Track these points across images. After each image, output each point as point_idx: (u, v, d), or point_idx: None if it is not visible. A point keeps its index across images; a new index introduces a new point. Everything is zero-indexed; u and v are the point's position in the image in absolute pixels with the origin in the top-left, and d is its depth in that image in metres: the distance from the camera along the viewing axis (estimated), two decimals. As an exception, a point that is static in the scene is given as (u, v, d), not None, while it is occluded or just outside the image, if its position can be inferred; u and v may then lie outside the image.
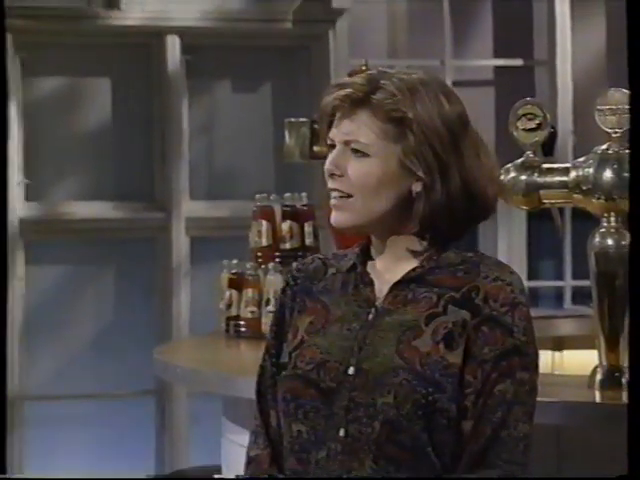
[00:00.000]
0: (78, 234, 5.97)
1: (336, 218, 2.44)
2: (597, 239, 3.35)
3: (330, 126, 2.45)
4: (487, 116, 6.12)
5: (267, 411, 2.52)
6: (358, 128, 2.41)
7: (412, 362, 2.37)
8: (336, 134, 2.43)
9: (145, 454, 5.93)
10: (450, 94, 2.44)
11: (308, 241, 4.68)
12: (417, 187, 2.40)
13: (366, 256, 2.50)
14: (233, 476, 3.99)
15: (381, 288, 2.46)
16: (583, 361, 3.46)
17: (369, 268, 2.49)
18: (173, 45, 5.87)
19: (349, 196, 2.42)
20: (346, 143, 2.42)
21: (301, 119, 4.59)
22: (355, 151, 2.41)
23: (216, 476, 4.25)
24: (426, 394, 2.35)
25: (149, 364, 4.56)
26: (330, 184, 2.42)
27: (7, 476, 1.99)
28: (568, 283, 6.29)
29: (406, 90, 2.39)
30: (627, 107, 3.35)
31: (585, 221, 3.70)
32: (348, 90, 2.41)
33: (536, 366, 2.42)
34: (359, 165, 2.41)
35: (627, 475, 2.15)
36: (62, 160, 5.89)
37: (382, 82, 2.40)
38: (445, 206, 2.41)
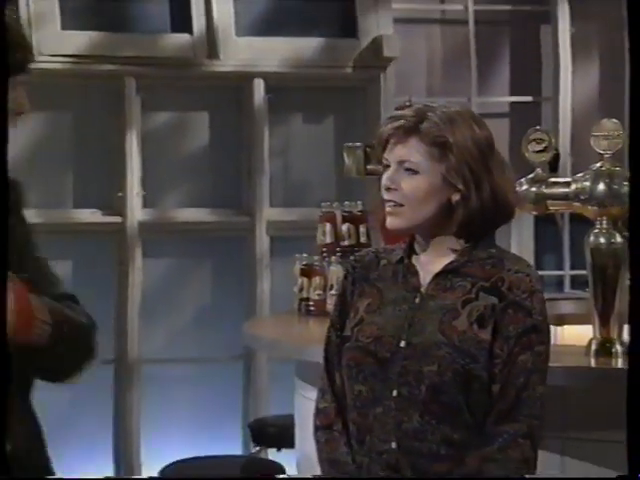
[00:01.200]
0: (183, 234, 5.96)
1: (391, 223, 2.45)
2: (592, 238, 3.35)
3: (384, 150, 2.44)
4: (503, 141, 6.08)
5: (332, 373, 2.52)
6: (409, 151, 2.41)
7: (452, 338, 2.38)
8: (391, 156, 2.44)
9: (234, 406, 5.93)
10: (480, 122, 2.45)
11: (362, 239, 4.68)
12: (456, 197, 2.41)
13: (411, 251, 2.50)
14: (302, 422, 3.97)
15: (425, 277, 2.47)
16: (580, 334, 3.44)
17: (414, 261, 2.50)
18: (259, 86, 5.90)
19: (401, 205, 2.42)
20: (400, 163, 2.42)
21: (357, 144, 4.60)
22: (407, 170, 2.42)
23: (280, 476, 4.07)
24: (463, 364, 2.37)
25: (239, 335, 4.58)
26: (386, 196, 2.44)
27: (7, 476, 1.93)
28: (567, 272, 6.24)
29: (447, 120, 2.40)
30: (617, 133, 3.33)
31: (581, 223, 3.68)
32: (401, 121, 2.42)
33: (549, 340, 2.43)
34: (410, 180, 2.41)
35: (627, 475, 2.08)
36: (171, 176, 5.91)
37: (428, 114, 2.41)
38: (479, 211, 2.41)
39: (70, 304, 2.25)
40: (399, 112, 2.46)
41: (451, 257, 2.45)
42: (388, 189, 2.42)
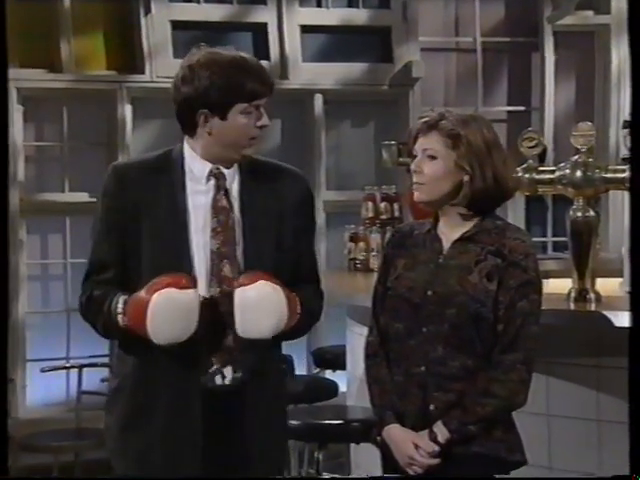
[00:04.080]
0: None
1: (417, 197, 2.45)
2: (571, 212, 3.31)
3: (414, 143, 2.43)
4: (502, 141, 6.01)
5: (378, 314, 2.51)
6: (430, 141, 2.40)
7: (467, 289, 2.38)
8: (418, 147, 2.43)
9: (301, 338, 5.92)
10: (489, 126, 2.44)
11: (396, 214, 4.69)
12: (466, 178, 2.38)
13: (436, 223, 2.47)
14: (353, 358, 3.97)
15: (446, 243, 2.47)
16: (561, 286, 3.40)
17: (438, 231, 2.47)
18: (318, 100, 5.85)
19: (423, 184, 2.39)
20: (423, 151, 2.42)
21: (392, 142, 4.56)
22: (429, 156, 2.39)
23: (326, 476, 3.88)
24: (475, 308, 2.37)
25: (303, 286, 4.55)
26: (413, 178, 2.43)
27: (7, 476, 1.94)
28: (550, 239, 6.18)
29: (461, 121, 2.39)
30: (590, 133, 3.29)
31: (562, 202, 3.64)
32: (426, 119, 2.42)
33: (541, 291, 2.40)
34: (431, 165, 2.40)
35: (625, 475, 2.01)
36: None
37: (447, 115, 2.41)
38: (482, 190, 2.39)
39: (309, 290, 2.37)
40: (426, 113, 2.46)
41: (465, 228, 2.43)
42: (415, 172, 2.42)
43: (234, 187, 2.32)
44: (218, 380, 2.30)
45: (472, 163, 2.35)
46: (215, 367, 2.30)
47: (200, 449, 2.28)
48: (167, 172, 2.31)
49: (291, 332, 2.30)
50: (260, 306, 2.19)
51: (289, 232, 2.33)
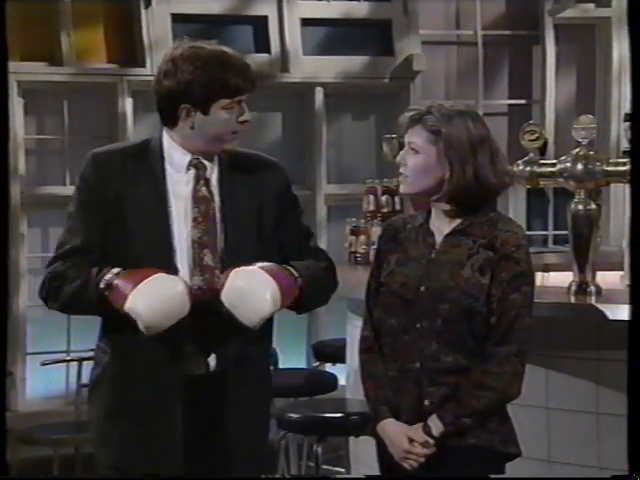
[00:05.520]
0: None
1: (401, 189, 2.43)
2: (572, 206, 3.29)
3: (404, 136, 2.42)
4: (503, 134, 6.03)
5: (372, 309, 2.48)
6: (414, 135, 2.38)
7: (459, 283, 2.36)
8: (405, 139, 2.41)
9: (301, 332, 5.91)
10: (477, 121, 2.37)
11: (397, 207, 4.64)
12: (446, 174, 2.34)
13: (429, 217, 2.45)
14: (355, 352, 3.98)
15: (438, 237, 2.44)
16: (562, 279, 3.39)
17: (430, 225, 2.45)
18: (319, 93, 5.86)
19: (407, 176, 2.39)
20: (408, 144, 2.40)
21: (392, 135, 4.54)
22: (412, 149, 2.37)
23: (339, 476, 3.91)
24: (468, 303, 2.35)
25: (304, 279, 4.54)
26: (400, 170, 2.41)
27: (7, 476, 1.95)
28: (550, 232, 6.17)
29: (446, 116, 2.35)
30: (592, 126, 3.27)
31: (562, 195, 3.62)
32: (412, 113, 2.40)
33: (533, 283, 2.38)
34: (414, 158, 2.38)
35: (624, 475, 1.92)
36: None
37: (433, 110, 2.37)
38: (462, 187, 2.35)
39: (310, 262, 2.39)
40: (414, 106, 2.44)
41: (456, 222, 2.40)
42: (400, 164, 2.40)
43: (214, 177, 2.33)
44: (201, 368, 2.29)
45: (452, 160, 2.32)
46: (197, 355, 2.29)
47: (181, 438, 2.27)
48: (147, 161, 2.31)
49: (299, 303, 2.33)
50: (241, 296, 2.19)
51: (270, 221, 2.34)
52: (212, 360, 2.30)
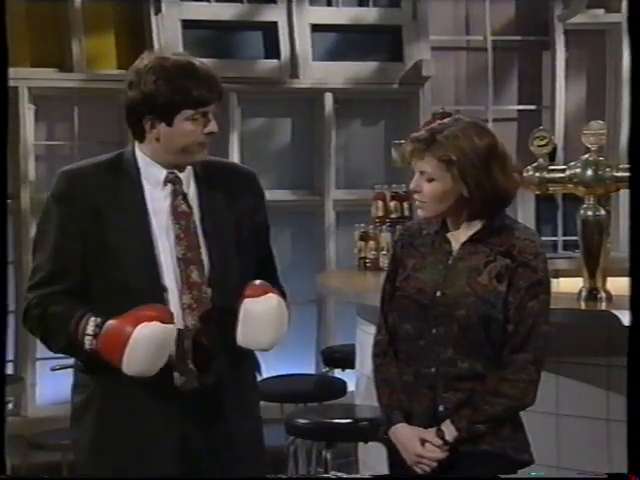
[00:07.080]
0: (272, 210, 5.97)
1: (421, 213, 2.44)
2: (582, 212, 3.29)
3: (411, 159, 2.41)
4: (512, 139, 6.03)
5: (386, 314, 2.48)
6: (425, 165, 2.37)
7: (476, 290, 2.36)
8: (415, 168, 2.40)
9: (310, 337, 5.93)
10: (482, 133, 2.37)
11: (406, 213, 4.67)
12: (465, 192, 2.35)
13: (444, 224, 2.45)
14: (364, 355, 3.96)
15: (455, 244, 2.44)
16: (572, 285, 3.38)
17: (447, 232, 2.46)
18: (328, 99, 5.85)
19: (425, 202, 2.40)
20: (420, 173, 2.39)
21: (401, 141, 4.53)
22: (426, 178, 2.36)
23: (342, 476, 3.94)
24: (485, 310, 2.34)
25: (313, 285, 4.56)
26: (414, 196, 2.43)
27: (7, 476, 1.92)
28: (560, 238, 6.17)
29: (452, 139, 2.34)
30: (602, 132, 3.27)
31: (571, 201, 3.61)
32: (416, 144, 2.38)
33: (550, 291, 2.39)
34: (429, 186, 2.38)
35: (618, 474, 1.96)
36: (262, 165, 5.80)
37: (437, 137, 2.36)
38: (482, 203, 2.36)
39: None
40: (415, 135, 2.41)
41: (474, 229, 2.41)
42: (414, 192, 2.41)
43: (191, 190, 2.29)
44: (193, 383, 2.26)
45: (468, 182, 2.33)
46: (188, 371, 2.25)
47: (177, 454, 2.24)
48: (123, 176, 2.26)
49: None
50: (263, 320, 2.20)
51: (248, 233, 2.31)
52: (204, 374, 2.26)
